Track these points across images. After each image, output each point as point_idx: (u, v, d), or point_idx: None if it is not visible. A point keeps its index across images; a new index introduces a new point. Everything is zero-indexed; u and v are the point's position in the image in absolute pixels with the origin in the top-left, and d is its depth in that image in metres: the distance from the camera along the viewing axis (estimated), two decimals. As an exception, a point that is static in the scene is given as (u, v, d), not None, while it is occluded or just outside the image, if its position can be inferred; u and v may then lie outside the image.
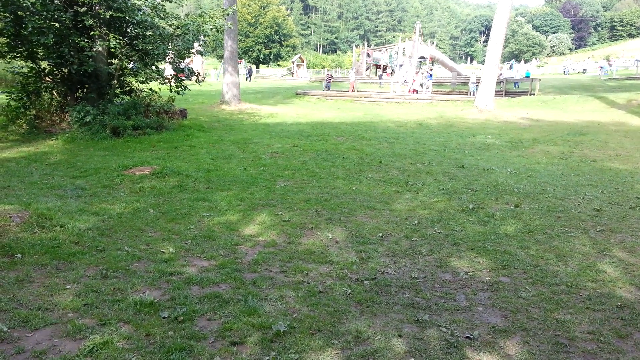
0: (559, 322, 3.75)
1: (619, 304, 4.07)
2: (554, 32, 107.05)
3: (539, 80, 29.16)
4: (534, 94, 26.32)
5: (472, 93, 27.86)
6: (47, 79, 13.46)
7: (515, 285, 4.42)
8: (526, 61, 75.44)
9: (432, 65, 44.69)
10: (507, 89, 29.11)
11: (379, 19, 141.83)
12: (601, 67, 42.82)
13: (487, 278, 4.58)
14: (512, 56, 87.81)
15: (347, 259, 4.96)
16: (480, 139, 13.93)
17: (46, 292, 3.88)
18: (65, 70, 13.07)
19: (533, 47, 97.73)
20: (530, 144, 13.12)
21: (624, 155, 11.46)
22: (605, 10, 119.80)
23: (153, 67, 14.01)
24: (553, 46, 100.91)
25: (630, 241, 5.61)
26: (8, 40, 12.27)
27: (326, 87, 32.05)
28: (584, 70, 53.25)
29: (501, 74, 29.92)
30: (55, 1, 11.83)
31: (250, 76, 45.80)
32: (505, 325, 3.67)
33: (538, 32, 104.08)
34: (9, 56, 12.67)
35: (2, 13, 11.39)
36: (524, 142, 13.39)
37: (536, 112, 20.01)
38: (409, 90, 27.93)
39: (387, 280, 4.44)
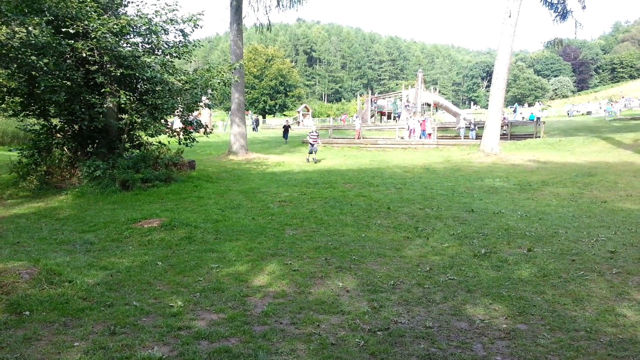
0: (582, 370, 3.61)
1: (643, 350, 3.92)
2: (556, 76, 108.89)
3: (544, 122, 29.40)
4: (539, 137, 26.45)
5: (462, 137, 28.45)
6: (58, 135, 13.76)
7: (533, 333, 4.28)
8: (530, 104, 76.36)
9: (435, 110, 45.33)
10: (512, 132, 29.34)
11: (381, 68, 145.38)
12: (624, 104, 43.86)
13: (504, 325, 4.45)
14: (515, 100, 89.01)
15: (359, 308, 4.85)
16: (488, 183, 13.90)
17: (54, 350, 3.81)
18: (76, 127, 13.38)
19: (535, 90, 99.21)
20: (539, 187, 13.07)
21: (635, 196, 11.35)
22: (604, 53, 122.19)
23: (162, 120, 14.30)
24: (555, 89, 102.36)
25: (648, 283, 5.47)
26: (21, 99, 12.66)
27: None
28: (588, 112, 53.92)
29: (505, 118, 30.27)
30: (68, 61, 12.25)
31: (257, 126, 46.56)
32: (525, 376, 3.53)
33: (539, 76, 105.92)
34: (22, 114, 13.03)
35: (17, 74, 11.82)
36: (533, 185, 13.34)
37: (543, 154, 20.05)
38: (412, 135, 28.42)
39: (400, 331, 4.32)
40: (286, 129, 31.67)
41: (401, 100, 43.08)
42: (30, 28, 11.01)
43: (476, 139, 26.76)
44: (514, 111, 52.94)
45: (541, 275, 5.82)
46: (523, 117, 46.51)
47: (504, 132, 27.04)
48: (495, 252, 6.85)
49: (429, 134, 27.92)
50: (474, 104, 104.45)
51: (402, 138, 28.90)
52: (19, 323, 4.29)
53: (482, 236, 7.79)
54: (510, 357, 3.84)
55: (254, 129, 44.58)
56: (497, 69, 20.94)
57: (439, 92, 55.21)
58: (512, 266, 6.22)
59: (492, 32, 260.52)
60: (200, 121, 16.31)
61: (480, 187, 13.21)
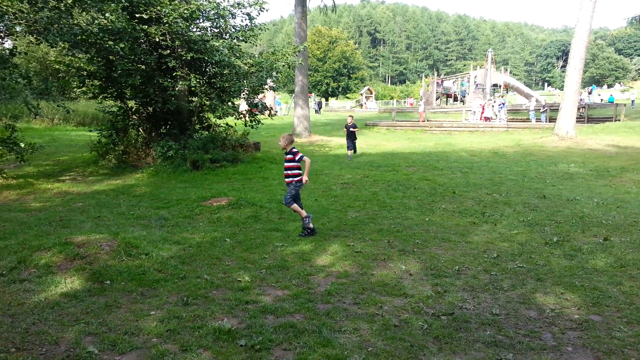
0: (662, 367, 3.41)
1: None
2: (639, 55, 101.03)
3: (624, 105, 27.50)
4: (619, 120, 24.79)
5: (533, 120, 27.01)
6: (134, 117, 14.51)
7: (607, 325, 4.08)
8: (609, 86, 71.57)
9: (506, 92, 43.50)
10: (590, 115, 27.68)
11: (448, 48, 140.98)
12: None
13: (576, 316, 4.27)
14: (593, 81, 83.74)
15: (422, 292, 4.82)
16: (562, 168, 13.23)
17: (132, 318, 4.07)
18: (150, 109, 14.04)
19: (616, 70, 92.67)
20: (618, 173, 12.29)
21: None
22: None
23: (229, 103, 14.70)
24: (639, 69, 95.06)
25: None
26: (100, 82, 13.43)
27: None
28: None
29: (582, 100, 28.57)
30: (142, 45, 12.81)
31: (319, 109, 46.72)
32: (599, 368, 3.38)
33: (621, 55, 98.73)
34: (100, 97, 13.85)
35: (95, 58, 12.52)
36: (611, 171, 12.56)
37: (623, 138, 18.78)
38: (481, 118, 27.37)
39: (466, 316, 4.26)
40: (352, 133, 15.93)
41: (468, 81, 41.69)
42: (107, 14, 11.59)
43: (549, 121, 25.49)
44: (590, 93, 49.76)
45: (618, 266, 5.52)
46: (602, 100, 43.69)
47: (581, 114, 25.56)
48: (568, 241, 6.55)
49: (487, 118, 26.90)
50: (548, 85, 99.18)
51: (467, 120, 28.06)
52: (101, 291, 4.62)
53: (555, 223, 7.46)
54: (583, 348, 3.69)
55: (316, 111, 44.80)
56: (574, 47, 19.71)
57: (510, 72, 52.89)
58: (586, 255, 5.93)
59: (569, 9, 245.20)
60: (265, 103, 16.59)
61: (553, 172, 12.60)
